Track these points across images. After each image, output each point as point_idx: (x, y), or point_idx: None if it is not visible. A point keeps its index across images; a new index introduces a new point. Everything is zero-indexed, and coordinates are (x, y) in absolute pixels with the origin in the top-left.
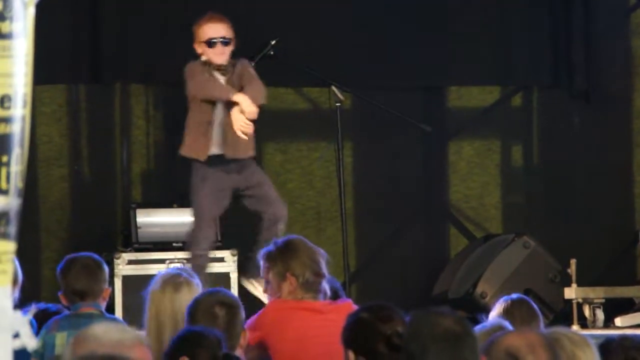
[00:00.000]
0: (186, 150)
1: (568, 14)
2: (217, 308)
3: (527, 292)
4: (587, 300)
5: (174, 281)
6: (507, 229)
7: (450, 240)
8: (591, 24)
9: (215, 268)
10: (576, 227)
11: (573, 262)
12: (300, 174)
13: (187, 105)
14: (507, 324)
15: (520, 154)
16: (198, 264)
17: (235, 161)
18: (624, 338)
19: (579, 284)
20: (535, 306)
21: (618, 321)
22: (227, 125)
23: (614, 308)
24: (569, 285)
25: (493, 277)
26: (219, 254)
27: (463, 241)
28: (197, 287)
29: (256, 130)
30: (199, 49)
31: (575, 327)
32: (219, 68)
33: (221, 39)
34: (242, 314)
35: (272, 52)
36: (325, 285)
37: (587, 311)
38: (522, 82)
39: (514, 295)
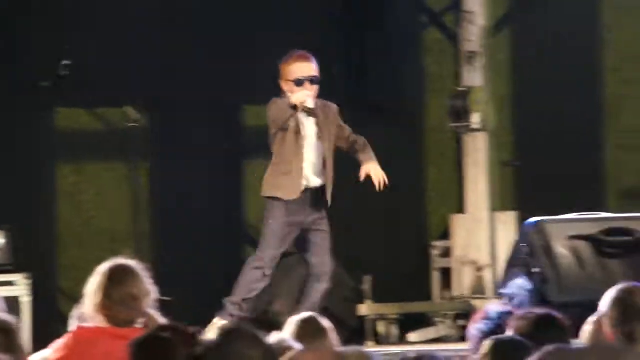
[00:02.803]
0: None
1: (362, 32)
2: None
3: (322, 309)
4: (381, 317)
5: None
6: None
7: (247, 258)
8: (385, 41)
9: (5, 292)
10: (371, 244)
11: (367, 278)
12: (95, 194)
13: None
14: (293, 342)
15: None
16: None
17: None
18: (420, 356)
19: (374, 301)
20: (324, 323)
21: (411, 337)
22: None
23: (409, 324)
24: (363, 302)
25: (289, 295)
26: (9, 277)
27: None
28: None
29: (61, 153)
30: (286, 86)
31: (369, 344)
32: (308, 110)
33: (309, 78)
34: (21, 336)
35: (65, 73)
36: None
37: (381, 327)
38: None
39: (304, 314)
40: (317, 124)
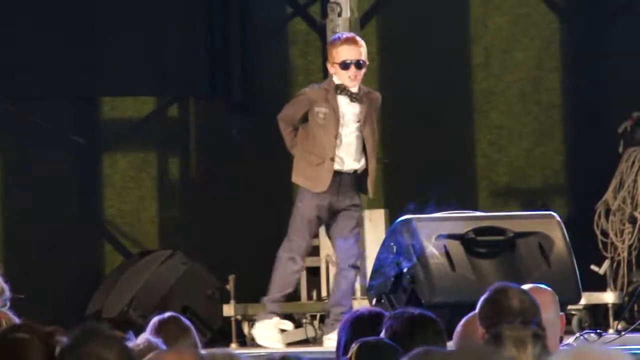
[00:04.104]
0: None
1: (225, 24)
2: None
3: (184, 309)
4: (246, 318)
5: None
6: (164, 244)
7: (105, 256)
8: (248, 34)
9: None
10: (236, 242)
11: (232, 278)
12: None
13: None
14: (160, 343)
15: (177, 167)
16: None
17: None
18: (285, 358)
19: (239, 301)
20: (186, 323)
21: None
22: None
23: None
24: (227, 302)
25: (149, 295)
26: None
27: (119, 258)
28: None
29: None
30: (332, 69)
31: (234, 345)
32: (350, 94)
33: (356, 61)
34: None
35: None
36: None
37: (246, 328)
38: (178, 92)
39: (165, 314)
40: (359, 109)
